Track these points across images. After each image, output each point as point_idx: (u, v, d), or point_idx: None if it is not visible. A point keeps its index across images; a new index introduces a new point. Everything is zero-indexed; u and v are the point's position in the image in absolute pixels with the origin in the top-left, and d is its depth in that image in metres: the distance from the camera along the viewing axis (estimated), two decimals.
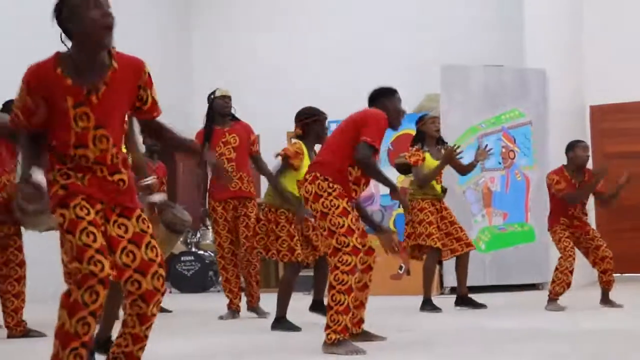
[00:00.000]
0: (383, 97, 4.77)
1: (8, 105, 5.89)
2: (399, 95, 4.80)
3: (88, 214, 2.86)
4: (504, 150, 9.11)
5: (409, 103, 9.27)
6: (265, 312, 6.58)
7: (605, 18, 10.62)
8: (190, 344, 5.02)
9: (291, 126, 6.13)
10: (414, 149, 7.01)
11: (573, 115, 10.19)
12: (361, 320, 4.77)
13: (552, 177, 7.01)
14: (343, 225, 4.26)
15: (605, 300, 6.87)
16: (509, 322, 5.77)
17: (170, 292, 7.87)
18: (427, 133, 7.05)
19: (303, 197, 4.53)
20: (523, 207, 8.99)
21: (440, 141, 7.15)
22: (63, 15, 2.91)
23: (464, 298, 7.15)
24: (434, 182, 7.01)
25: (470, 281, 7.90)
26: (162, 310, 7.30)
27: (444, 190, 7.14)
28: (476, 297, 7.35)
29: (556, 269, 6.81)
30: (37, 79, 2.89)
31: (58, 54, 2.92)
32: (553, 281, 6.79)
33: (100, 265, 2.77)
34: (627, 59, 10.45)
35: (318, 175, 4.41)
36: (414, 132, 7.20)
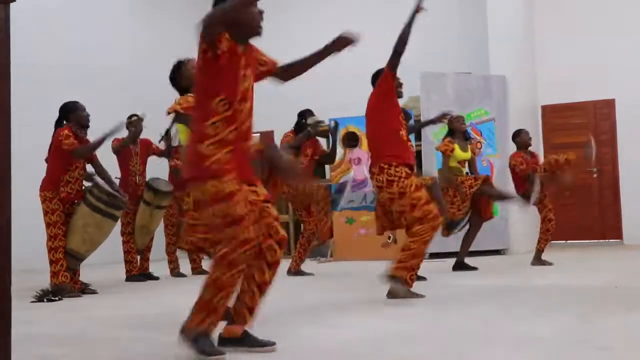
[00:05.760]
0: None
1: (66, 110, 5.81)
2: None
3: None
4: (472, 142, 9.11)
5: None
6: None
7: (554, 34, 10.62)
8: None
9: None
10: (447, 139, 6.86)
11: (528, 113, 10.22)
12: None
13: (517, 158, 7.11)
14: (421, 197, 4.41)
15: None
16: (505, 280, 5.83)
17: (203, 258, 7.90)
18: (456, 129, 6.89)
19: (377, 187, 4.60)
20: None
21: (466, 136, 7.00)
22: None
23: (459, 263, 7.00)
24: (459, 169, 6.89)
25: (447, 247, 7.95)
26: (205, 272, 7.36)
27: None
28: (450, 260, 7.37)
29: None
30: None
31: None
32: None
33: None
34: (572, 67, 10.46)
35: (383, 165, 4.53)
36: None
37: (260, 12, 3.00)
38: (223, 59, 2.87)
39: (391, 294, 4.50)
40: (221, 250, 2.78)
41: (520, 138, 7.33)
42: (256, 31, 2.99)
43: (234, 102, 2.88)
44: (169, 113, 4.32)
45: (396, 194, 4.45)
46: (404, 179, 4.44)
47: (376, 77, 4.96)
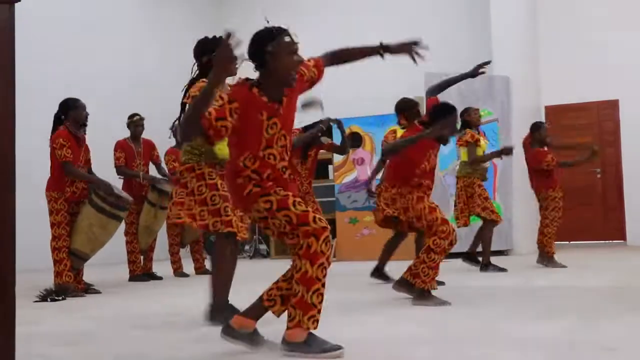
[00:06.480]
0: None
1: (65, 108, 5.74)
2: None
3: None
4: None
5: None
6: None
7: (557, 34, 10.63)
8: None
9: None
10: (468, 130, 6.58)
11: (531, 114, 10.16)
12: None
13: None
14: (424, 207, 4.52)
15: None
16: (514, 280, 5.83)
17: (205, 257, 7.92)
18: (471, 122, 6.69)
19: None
20: (492, 188, 9.01)
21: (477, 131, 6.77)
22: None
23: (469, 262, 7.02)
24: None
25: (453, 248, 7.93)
26: (208, 272, 7.38)
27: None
28: (456, 261, 7.37)
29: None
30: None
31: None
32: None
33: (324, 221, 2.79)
34: (575, 67, 10.47)
35: (387, 185, 5.03)
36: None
37: (299, 62, 2.85)
38: (237, 123, 2.78)
39: (416, 300, 4.42)
40: (304, 245, 2.74)
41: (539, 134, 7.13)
42: (288, 83, 2.84)
43: (257, 153, 2.83)
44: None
45: (401, 209, 4.69)
46: (407, 193, 4.63)
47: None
